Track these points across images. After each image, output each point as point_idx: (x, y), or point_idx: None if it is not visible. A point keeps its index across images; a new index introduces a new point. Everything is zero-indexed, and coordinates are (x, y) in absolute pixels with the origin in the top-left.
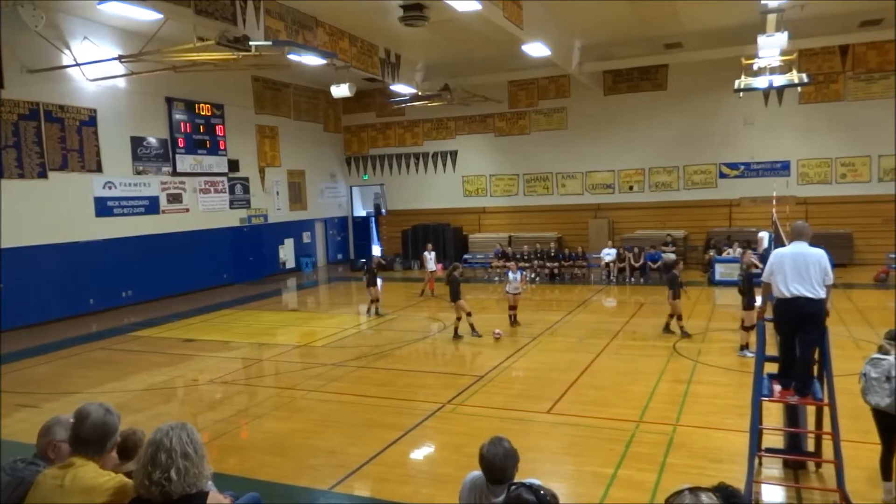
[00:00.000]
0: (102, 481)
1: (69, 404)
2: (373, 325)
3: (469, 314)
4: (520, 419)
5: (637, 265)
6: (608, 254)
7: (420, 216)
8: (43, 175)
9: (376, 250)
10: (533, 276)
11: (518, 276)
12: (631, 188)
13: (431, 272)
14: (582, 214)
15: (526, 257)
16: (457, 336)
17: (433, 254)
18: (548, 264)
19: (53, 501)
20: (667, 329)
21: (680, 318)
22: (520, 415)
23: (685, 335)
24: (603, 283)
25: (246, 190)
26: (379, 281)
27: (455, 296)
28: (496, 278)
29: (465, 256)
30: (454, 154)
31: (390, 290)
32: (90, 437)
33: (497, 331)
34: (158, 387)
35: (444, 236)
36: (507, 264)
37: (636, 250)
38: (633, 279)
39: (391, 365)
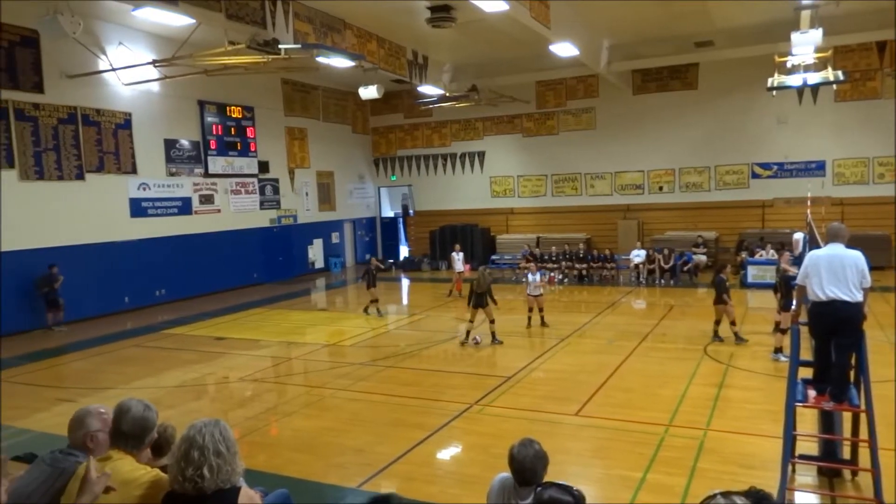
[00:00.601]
0: (139, 475)
1: (104, 399)
2: (401, 325)
3: (492, 321)
4: (547, 421)
5: (667, 267)
6: (637, 255)
7: (448, 217)
8: (80, 177)
9: (404, 251)
10: (561, 277)
11: (538, 277)
12: (661, 189)
13: (459, 273)
14: (611, 215)
15: (554, 258)
16: (466, 341)
17: (461, 254)
18: (576, 266)
19: None
20: (738, 338)
21: (718, 322)
22: (547, 416)
23: (717, 339)
24: (632, 285)
25: (276, 191)
26: (405, 281)
27: (484, 301)
28: (524, 279)
29: (493, 257)
30: (482, 155)
31: (418, 290)
32: (130, 432)
33: (476, 337)
34: (190, 384)
35: (472, 237)
36: (528, 265)
37: (666, 252)
38: (662, 281)
39: (419, 365)
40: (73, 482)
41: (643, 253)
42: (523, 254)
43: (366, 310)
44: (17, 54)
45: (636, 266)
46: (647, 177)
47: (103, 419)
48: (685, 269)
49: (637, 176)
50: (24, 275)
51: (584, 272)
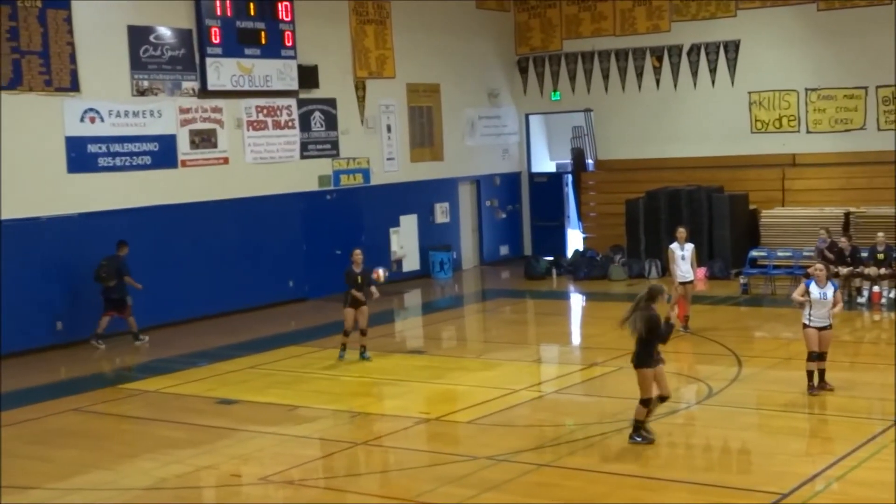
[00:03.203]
0: None
1: None
2: (568, 386)
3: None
4: None
5: None
6: None
7: (662, 173)
8: None
9: (575, 239)
10: (893, 293)
11: (829, 292)
12: None
13: (684, 284)
14: None
15: (880, 256)
16: (642, 436)
17: (689, 247)
18: None
19: None
20: None
21: None
22: None
23: None
24: None
25: (331, 123)
26: (578, 297)
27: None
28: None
29: (754, 253)
30: (732, 48)
31: (600, 317)
32: None
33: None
34: (171, 484)
35: (711, 213)
36: (815, 271)
37: None
38: None
39: (600, 464)
40: None
41: None
42: (819, 247)
43: (361, 352)
44: None
45: None
46: None
47: None
48: None
49: None
50: None
51: None
